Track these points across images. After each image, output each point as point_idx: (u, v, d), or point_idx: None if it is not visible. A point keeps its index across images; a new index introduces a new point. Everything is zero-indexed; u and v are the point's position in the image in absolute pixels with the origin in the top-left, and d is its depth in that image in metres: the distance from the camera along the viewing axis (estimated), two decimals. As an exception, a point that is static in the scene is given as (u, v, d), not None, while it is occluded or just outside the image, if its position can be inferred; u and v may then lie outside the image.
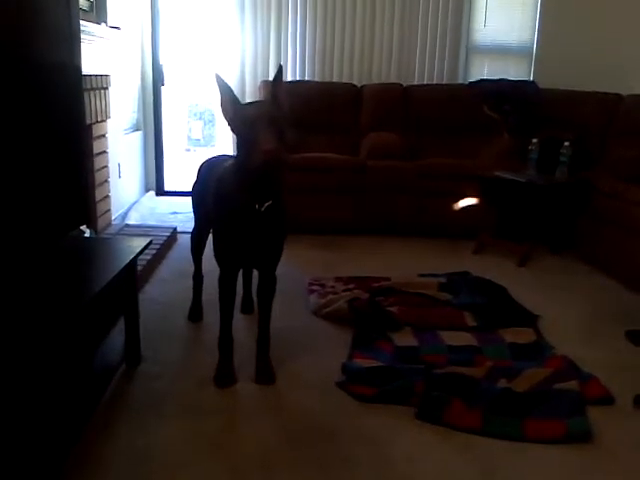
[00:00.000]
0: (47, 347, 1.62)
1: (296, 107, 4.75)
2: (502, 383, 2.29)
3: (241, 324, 2.73)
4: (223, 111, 2.09)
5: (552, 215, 4.06)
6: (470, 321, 2.89)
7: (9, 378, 1.45)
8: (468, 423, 2.09)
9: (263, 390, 2.29)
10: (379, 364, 2.43)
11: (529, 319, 2.95)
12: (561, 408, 2.14)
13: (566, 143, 4.02)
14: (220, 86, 2.06)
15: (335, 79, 5.25)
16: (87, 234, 2.87)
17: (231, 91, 2.08)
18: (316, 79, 5.23)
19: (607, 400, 2.26)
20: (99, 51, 3.65)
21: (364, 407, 2.21)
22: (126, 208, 4.74)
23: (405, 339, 2.68)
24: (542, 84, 5.04)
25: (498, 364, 2.45)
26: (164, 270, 3.56)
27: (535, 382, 2.30)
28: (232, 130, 2.10)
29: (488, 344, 2.68)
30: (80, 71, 2.41)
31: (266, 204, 2.11)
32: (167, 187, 5.71)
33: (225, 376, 2.31)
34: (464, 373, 2.34)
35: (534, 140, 4.13)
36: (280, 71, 2.13)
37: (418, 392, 2.22)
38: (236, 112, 2.05)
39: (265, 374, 2.34)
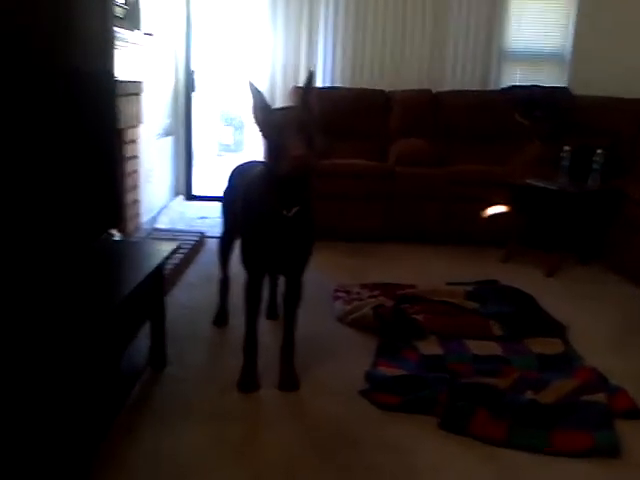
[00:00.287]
0: (76, 348, 1.64)
1: (325, 113, 4.73)
2: (528, 394, 2.25)
3: (266, 329, 2.74)
4: (254, 116, 2.11)
5: (583, 224, 3.99)
6: (497, 330, 2.85)
7: (39, 376, 1.48)
8: (493, 434, 2.07)
9: (287, 396, 2.30)
10: (404, 373, 2.42)
11: (557, 329, 2.90)
12: (588, 421, 2.10)
13: (599, 151, 3.96)
14: (252, 92, 2.08)
15: (365, 85, 5.23)
16: (117, 237, 2.91)
17: (262, 97, 2.10)
18: (346, 85, 5.23)
19: (636, 413, 2.21)
20: (132, 57, 3.71)
21: (388, 416, 2.20)
22: (155, 212, 4.80)
23: (430, 348, 2.66)
24: (575, 90, 4.97)
25: (525, 375, 2.42)
26: (191, 274, 3.60)
27: (562, 394, 2.26)
28: (262, 136, 2.12)
29: (515, 354, 2.64)
30: (113, 77, 2.45)
31: (294, 210, 2.12)
32: (196, 192, 5.77)
33: (249, 382, 2.32)
34: (490, 383, 2.32)
35: (566, 147, 4.07)
36: (311, 77, 2.14)
37: (442, 402, 2.20)
38: (266, 117, 2.07)
39: (289, 381, 2.34)
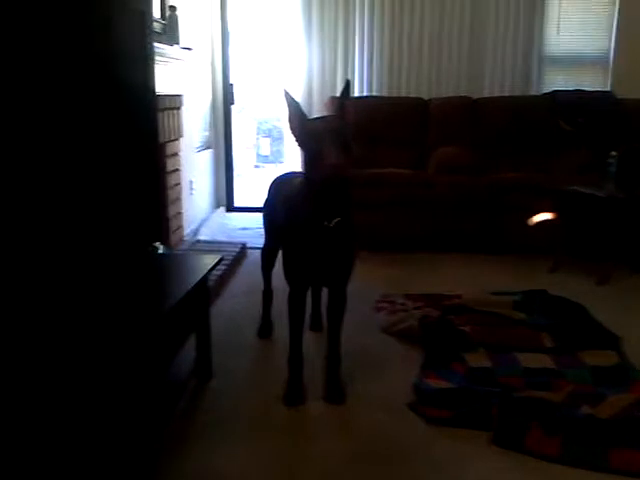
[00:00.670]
0: (125, 360, 1.65)
1: (363, 122, 4.75)
2: (584, 409, 2.17)
3: (310, 341, 2.71)
4: (290, 126, 2.10)
5: (633, 231, 3.87)
6: (548, 342, 2.76)
7: (88, 388, 1.48)
8: (547, 450, 1.99)
9: (333, 409, 2.26)
10: (452, 386, 2.36)
11: (611, 340, 2.79)
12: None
13: (648, 156, 3.84)
14: (288, 101, 2.08)
15: (403, 93, 5.20)
16: (161, 250, 2.93)
17: (299, 106, 2.08)
18: (384, 94, 5.20)
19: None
20: (172, 72, 3.75)
21: (436, 430, 2.14)
22: (197, 224, 4.84)
23: (479, 360, 2.58)
24: (620, 94, 4.84)
25: (579, 388, 2.33)
26: (234, 285, 3.60)
27: (620, 408, 2.16)
28: (299, 145, 2.10)
29: (568, 367, 2.55)
30: (154, 92, 2.48)
31: (335, 220, 2.09)
32: (237, 203, 5.80)
33: (294, 395, 2.29)
34: (543, 397, 2.24)
35: (613, 153, 3.96)
36: (347, 86, 2.14)
37: (495, 416, 2.13)
38: (303, 127, 2.05)
39: (335, 393, 2.31)
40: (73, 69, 1.81)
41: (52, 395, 1.43)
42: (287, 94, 2.08)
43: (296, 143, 2.12)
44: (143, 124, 2.39)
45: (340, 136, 1.96)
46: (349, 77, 5.22)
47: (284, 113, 2.12)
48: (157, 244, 2.83)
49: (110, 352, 1.63)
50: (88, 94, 1.91)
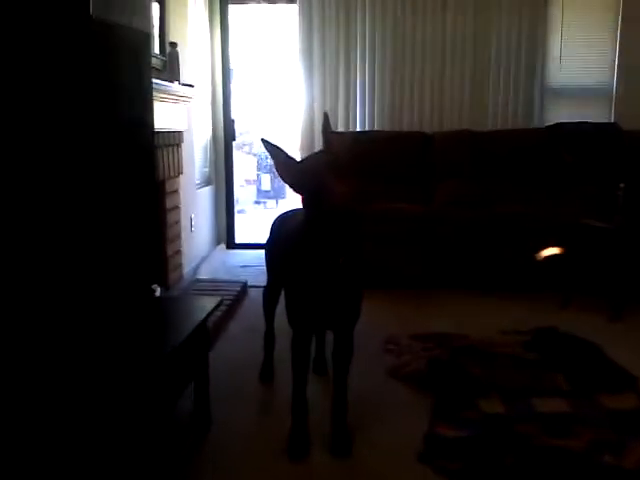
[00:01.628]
0: (115, 414, 1.54)
1: (366, 157, 4.70)
2: (607, 459, 2.04)
3: (314, 386, 2.59)
4: (279, 173, 2.00)
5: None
6: (563, 384, 2.64)
7: (83, 443, 1.37)
8: (570, 506, 1.86)
9: (339, 462, 2.13)
10: (464, 434, 2.23)
11: (629, 382, 2.67)
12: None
13: (658, 188, 3.76)
14: (269, 150, 1.98)
15: (405, 128, 5.15)
16: (157, 292, 2.83)
17: (281, 151, 1.99)
18: (386, 128, 5.16)
19: None
20: (172, 108, 3.70)
21: (450, 483, 2.01)
22: (197, 262, 4.75)
23: (492, 406, 2.46)
24: (623, 126, 4.78)
25: (599, 435, 2.21)
26: (235, 326, 3.48)
27: (646, 458, 2.04)
28: (295, 189, 2.00)
29: (585, 411, 2.43)
30: (153, 128, 2.41)
31: (342, 259, 1.99)
32: (238, 240, 5.71)
33: (298, 447, 2.16)
34: (561, 446, 2.11)
35: (621, 185, 3.88)
36: (326, 119, 2.10)
37: (510, 467, 2.00)
38: (294, 170, 1.97)
39: (342, 445, 2.18)
40: (67, 105, 1.74)
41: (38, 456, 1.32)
42: (266, 142, 1.98)
43: (291, 188, 2.03)
44: (141, 161, 2.32)
45: (335, 169, 1.90)
46: (350, 112, 5.20)
47: (272, 161, 2.02)
48: (154, 286, 2.74)
49: (102, 404, 1.52)
50: (83, 131, 1.84)
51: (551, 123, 4.99)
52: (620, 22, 5.02)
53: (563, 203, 4.33)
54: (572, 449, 2.10)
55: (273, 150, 1.98)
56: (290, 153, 2.01)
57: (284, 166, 1.98)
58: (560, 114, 5.17)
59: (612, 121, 5.05)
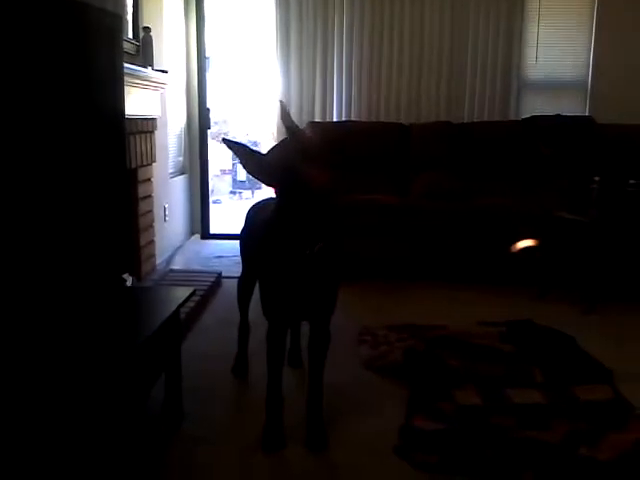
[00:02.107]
0: (82, 406, 1.49)
1: (343, 147, 4.66)
2: (583, 451, 2.04)
3: (289, 379, 2.55)
4: (248, 170, 1.95)
5: (618, 257, 3.79)
6: (538, 376, 2.64)
7: (52, 434, 1.31)
8: (546, 498, 1.85)
9: (315, 455, 2.09)
10: (440, 427, 2.21)
11: (604, 374, 2.68)
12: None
13: (632, 181, 3.78)
14: (233, 149, 1.92)
15: (382, 119, 5.13)
16: (129, 282, 2.76)
17: (246, 147, 1.94)
18: (363, 119, 5.12)
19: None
20: (145, 94, 3.61)
21: (424, 476, 1.98)
22: (171, 252, 4.67)
23: (468, 398, 2.44)
24: (598, 120, 4.81)
25: (575, 427, 2.20)
26: (208, 318, 3.42)
27: (621, 449, 2.04)
28: (267, 183, 1.95)
29: (561, 403, 2.42)
30: (123, 114, 2.34)
31: (318, 246, 1.94)
32: (213, 230, 5.64)
33: (273, 441, 2.12)
34: (538, 438, 2.11)
35: (596, 178, 3.90)
36: (283, 107, 2.06)
37: (487, 461, 1.99)
38: (263, 164, 1.91)
39: (317, 439, 2.14)
40: (33, 86, 1.67)
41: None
42: (228, 141, 1.92)
43: (262, 183, 1.98)
44: (111, 148, 2.24)
45: (306, 154, 1.85)
46: (327, 102, 5.15)
47: (239, 159, 1.96)
48: (126, 276, 2.67)
49: (71, 395, 1.47)
50: (50, 114, 1.76)
51: (527, 116, 5.00)
52: (595, 17, 5.05)
53: (538, 195, 4.34)
54: (548, 441, 2.09)
55: (236, 148, 1.92)
56: (255, 148, 1.96)
57: (251, 162, 1.92)
58: (536, 107, 5.20)
59: (587, 114, 5.08)
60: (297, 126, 2.02)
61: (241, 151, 1.92)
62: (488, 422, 2.24)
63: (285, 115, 2.01)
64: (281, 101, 2.14)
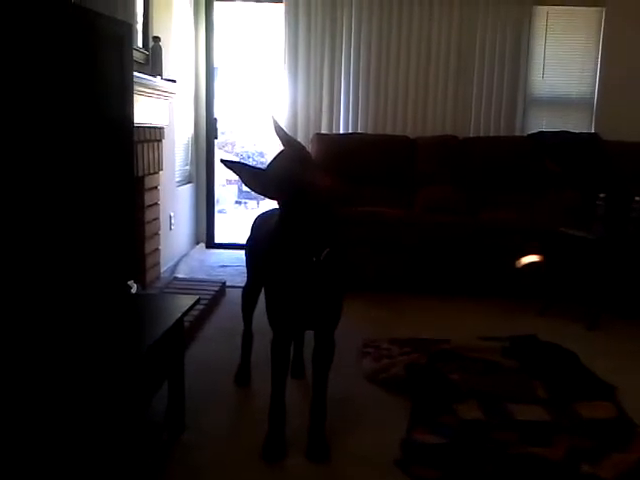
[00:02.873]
0: (91, 409, 1.49)
1: (349, 159, 4.68)
2: (585, 468, 2.02)
3: (292, 389, 2.54)
4: (251, 187, 1.97)
5: (622, 274, 3.78)
6: (541, 392, 2.63)
7: (54, 442, 1.31)
8: (547, 515, 1.84)
9: (316, 467, 2.08)
10: (442, 441, 2.20)
11: (606, 391, 2.67)
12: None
13: (637, 198, 3.78)
14: (233, 169, 1.95)
15: (389, 132, 5.15)
16: (134, 289, 2.77)
17: (245, 166, 1.97)
18: (369, 132, 5.14)
19: None
20: (154, 103, 3.64)
21: (427, 491, 1.98)
22: (176, 261, 4.68)
23: (470, 412, 2.43)
24: (604, 136, 4.82)
25: (577, 444, 2.19)
26: (211, 327, 3.42)
27: (624, 468, 2.03)
28: (269, 196, 1.98)
29: (563, 420, 2.41)
30: (132, 122, 2.36)
31: (324, 253, 1.95)
32: (217, 239, 5.65)
33: (275, 450, 2.11)
34: (539, 454, 2.10)
35: (601, 195, 3.90)
36: (274, 121, 2.08)
37: (488, 476, 1.98)
38: (265, 179, 1.92)
39: (319, 450, 2.13)
40: (42, 94, 1.69)
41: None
42: (226, 162, 1.95)
43: (272, 199, 2.00)
44: (119, 155, 2.26)
45: (304, 160, 1.88)
46: (334, 115, 5.17)
47: (239, 178, 1.98)
48: (131, 283, 2.68)
49: (73, 401, 1.47)
50: (58, 122, 1.78)
51: (533, 131, 5.02)
52: (602, 35, 5.08)
53: (543, 211, 4.34)
54: (550, 458, 2.08)
55: (236, 167, 1.95)
56: (254, 164, 1.98)
57: (252, 179, 1.94)
58: (542, 123, 5.22)
59: (593, 131, 5.09)
60: (291, 137, 2.04)
61: (240, 170, 1.95)
62: (489, 437, 2.23)
63: (278, 128, 2.03)
64: (272, 116, 2.15)
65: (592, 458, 2.09)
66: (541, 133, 4.92)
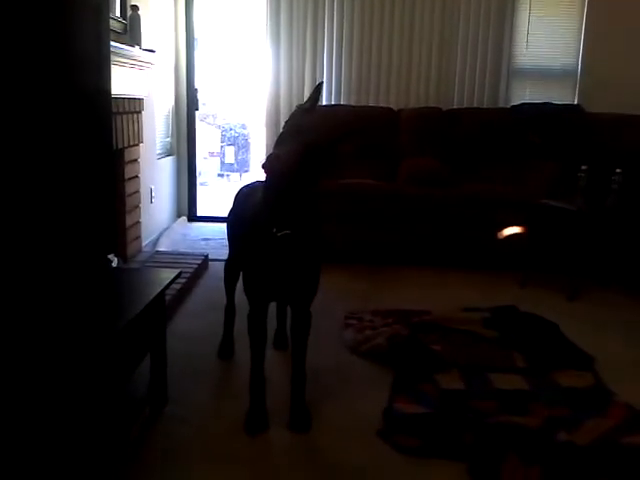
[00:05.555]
0: (73, 381, 1.48)
1: (331, 131, 4.63)
2: (562, 435, 2.06)
3: (274, 361, 2.56)
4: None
5: (602, 245, 3.83)
6: (520, 362, 2.67)
7: (35, 414, 1.31)
8: (526, 481, 1.88)
9: (298, 438, 2.11)
10: (423, 410, 2.23)
11: (585, 361, 2.72)
12: (633, 468, 1.92)
13: (618, 170, 3.80)
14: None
15: (372, 103, 5.11)
16: (115, 263, 2.75)
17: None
18: (352, 103, 5.10)
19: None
20: (132, 74, 3.57)
21: (409, 460, 2.00)
22: (157, 234, 4.64)
23: (451, 382, 2.47)
24: (587, 108, 4.83)
25: (555, 412, 2.23)
26: (194, 301, 3.42)
27: (599, 434, 2.07)
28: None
29: (541, 389, 2.45)
30: (109, 93, 2.31)
31: (285, 231, 1.94)
32: (200, 213, 5.61)
33: (256, 422, 2.13)
34: (518, 423, 2.13)
35: (583, 167, 3.91)
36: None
37: (469, 445, 2.01)
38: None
39: (301, 421, 2.15)
40: (15, 63, 1.64)
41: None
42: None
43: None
44: (97, 128, 2.22)
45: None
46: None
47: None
48: (111, 256, 2.65)
49: (56, 372, 1.46)
50: (34, 93, 1.74)
51: (516, 103, 5.01)
52: (586, 6, 5.04)
53: (525, 182, 4.36)
54: (528, 426, 2.12)
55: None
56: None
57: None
58: (525, 94, 5.20)
59: (575, 103, 5.09)
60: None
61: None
62: (469, 406, 2.27)
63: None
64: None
65: (569, 426, 2.13)
66: (523, 105, 4.91)
